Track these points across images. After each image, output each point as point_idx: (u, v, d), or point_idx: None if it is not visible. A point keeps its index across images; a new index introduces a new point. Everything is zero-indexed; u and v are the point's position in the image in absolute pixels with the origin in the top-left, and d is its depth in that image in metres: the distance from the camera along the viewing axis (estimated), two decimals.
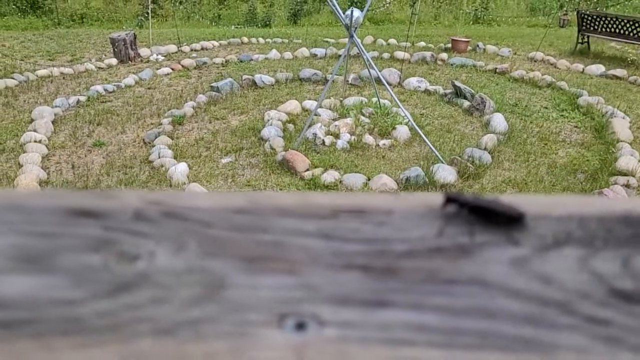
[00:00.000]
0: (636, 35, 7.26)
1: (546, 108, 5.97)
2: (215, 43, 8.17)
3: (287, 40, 8.51)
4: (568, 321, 0.28)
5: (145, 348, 0.26)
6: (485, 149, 4.72)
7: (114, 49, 7.05)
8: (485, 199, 0.36)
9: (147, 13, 8.19)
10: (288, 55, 7.53)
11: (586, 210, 0.36)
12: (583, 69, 7.14)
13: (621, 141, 4.96)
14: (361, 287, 0.30)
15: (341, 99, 5.69)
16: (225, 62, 7.22)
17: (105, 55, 7.18)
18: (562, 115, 5.77)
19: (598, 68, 7.07)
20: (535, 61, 7.51)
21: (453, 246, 0.33)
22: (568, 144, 5.16)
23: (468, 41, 8.02)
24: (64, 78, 6.37)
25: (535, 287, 0.30)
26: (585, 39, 7.99)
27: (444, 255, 0.32)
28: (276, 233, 0.34)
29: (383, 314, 0.28)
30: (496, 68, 7.01)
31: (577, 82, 6.64)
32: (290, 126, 5.18)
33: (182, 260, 0.31)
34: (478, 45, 8.01)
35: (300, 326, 0.28)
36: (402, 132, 4.98)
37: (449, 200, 0.36)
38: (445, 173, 4.20)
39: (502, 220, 0.35)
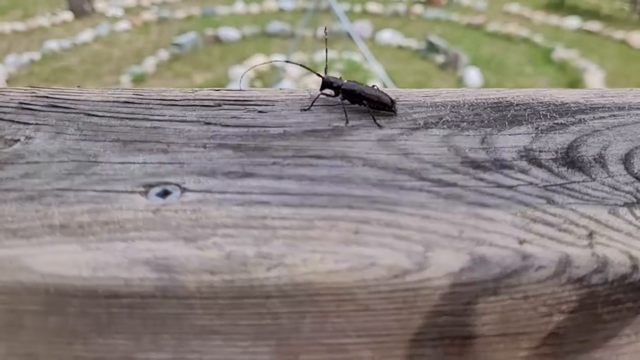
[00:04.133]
0: None
1: (520, 63, 5.99)
2: None
3: None
4: (416, 184, 0.30)
5: (10, 211, 0.28)
6: None
7: (68, 2, 6.70)
8: (360, 84, 0.37)
9: None
10: (255, 8, 7.32)
11: (461, 98, 0.38)
12: (558, 23, 7.13)
13: None
14: (229, 162, 0.32)
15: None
16: (188, 16, 6.94)
17: (60, 8, 6.81)
18: (536, 70, 5.80)
19: (573, 22, 7.08)
20: (510, 15, 7.47)
21: (327, 129, 0.35)
22: None
23: None
24: (16, 35, 6.10)
25: (394, 159, 0.32)
26: None
27: (317, 136, 0.34)
28: (157, 120, 0.35)
29: (244, 182, 0.30)
30: (470, 23, 6.95)
31: (552, 36, 6.64)
32: (258, 83, 5.11)
33: (58, 143, 0.32)
34: (451, 0, 7.92)
35: (164, 193, 0.29)
36: None
37: (325, 84, 0.37)
38: None
39: (375, 105, 0.37)
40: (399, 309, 0.26)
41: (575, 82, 5.37)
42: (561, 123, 0.36)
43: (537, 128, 0.35)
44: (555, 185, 0.30)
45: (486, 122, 0.36)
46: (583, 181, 0.31)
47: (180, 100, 0.37)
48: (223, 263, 0.25)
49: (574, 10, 7.66)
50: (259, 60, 5.35)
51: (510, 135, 0.34)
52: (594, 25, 6.88)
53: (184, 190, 0.29)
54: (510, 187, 0.30)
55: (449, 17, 7.09)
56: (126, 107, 0.36)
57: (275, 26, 6.42)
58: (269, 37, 6.27)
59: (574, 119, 0.36)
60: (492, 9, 7.77)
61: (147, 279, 0.25)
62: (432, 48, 5.91)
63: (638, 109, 0.37)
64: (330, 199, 0.29)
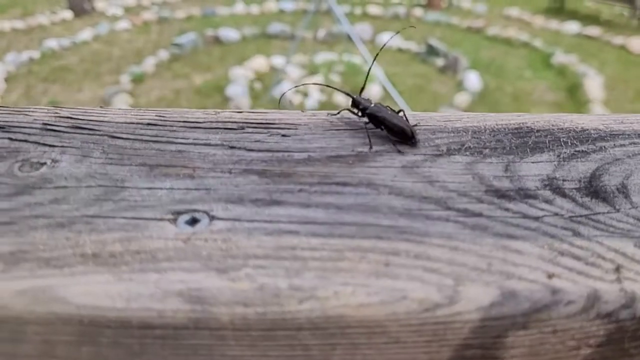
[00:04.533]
0: None
1: (520, 67, 6.00)
2: None
3: None
4: (442, 214, 0.30)
5: (41, 238, 0.28)
6: (458, 108, 4.75)
7: (68, 1, 6.68)
8: (386, 110, 0.38)
9: None
10: (255, 9, 7.32)
11: (482, 124, 0.38)
12: (557, 28, 7.16)
13: (592, 101, 5.04)
14: (256, 188, 0.32)
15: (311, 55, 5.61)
16: (189, 16, 6.93)
17: (60, 7, 6.81)
18: (535, 75, 5.81)
19: (572, 27, 7.10)
20: (510, 19, 7.49)
21: (351, 155, 0.35)
22: (541, 103, 5.22)
23: None
24: (15, 33, 6.09)
25: (419, 187, 0.32)
26: None
27: (341, 162, 0.34)
28: (181, 143, 0.35)
29: (272, 210, 0.30)
30: (470, 26, 6.97)
31: (551, 40, 6.66)
32: (257, 84, 5.11)
33: (85, 166, 0.33)
34: (451, 3, 7.93)
35: (193, 221, 0.29)
36: (374, 91, 4.98)
37: (353, 104, 0.38)
38: None
39: (394, 134, 0.37)
40: (429, 341, 0.26)
41: (575, 86, 5.39)
42: (582, 151, 0.36)
43: (558, 156, 0.35)
44: (581, 216, 0.31)
45: (508, 148, 0.36)
46: (607, 212, 0.31)
47: (203, 122, 0.37)
48: (256, 295, 0.26)
49: (573, 15, 7.69)
50: (259, 61, 5.37)
51: (533, 163, 0.35)
52: (594, 31, 6.91)
53: (212, 218, 0.30)
54: (536, 218, 0.30)
55: (449, 21, 7.11)
56: (150, 129, 0.36)
57: (275, 27, 6.42)
58: (269, 38, 6.27)
59: (594, 147, 0.36)
60: (492, 12, 7.78)
61: (180, 310, 0.25)
62: (432, 51, 5.92)
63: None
64: (358, 228, 0.29)
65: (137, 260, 0.27)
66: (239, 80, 4.98)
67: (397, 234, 0.29)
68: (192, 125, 0.37)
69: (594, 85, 5.35)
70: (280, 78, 4.85)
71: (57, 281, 0.26)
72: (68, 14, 6.63)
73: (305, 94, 4.80)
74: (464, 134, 0.37)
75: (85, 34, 5.99)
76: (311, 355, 0.26)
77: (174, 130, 0.36)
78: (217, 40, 6.02)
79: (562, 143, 0.37)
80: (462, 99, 4.88)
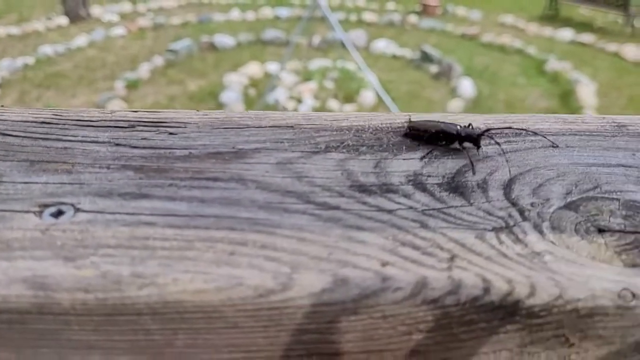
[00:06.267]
0: (605, 1, 7.32)
1: (513, 74, 6.02)
2: (174, 3, 7.90)
3: (249, 0, 8.25)
4: (300, 207, 0.32)
5: None
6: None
7: (64, 7, 6.75)
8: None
9: None
10: (250, 15, 7.37)
11: (367, 123, 0.40)
12: (551, 35, 7.19)
13: (585, 108, 5.06)
14: (128, 182, 0.33)
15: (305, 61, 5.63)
16: (184, 23, 6.97)
17: (55, 13, 6.86)
18: (529, 82, 5.83)
19: (566, 34, 7.13)
20: (505, 26, 7.52)
21: (230, 151, 0.37)
22: (534, 110, 5.23)
23: (437, 6, 7.96)
24: (10, 39, 6.15)
25: (287, 182, 0.34)
26: (555, 3, 8.02)
27: (218, 158, 0.36)
28: (69, 141, 0.37)
29: (138, 203, 0.32)
30: (464, 33, 7.01)
31: (545, 47, 6.69)
32: (252, 90, 5.13)
33: None
34: (446, 10, 7.97)
35: (59, 213, 0.31)
36: (367, 97, 5.00)
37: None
38: None
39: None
40: (266, 326, 0.28)
41: (568, 93, 5.41)
42: (456, 148, 0.37)
43: (431, 153, 0.37)
44: (433, 209, 0.32)
45: (385, 146, 0.37)
46: (461, 206, 0.32)
47: (97, 121, 0.39)
48: (97, 282, 0.27)
49: (567, 22, 7.71)
50: (253, 68, 5.41)
51: (404, 160, 0.36)
52: (588, 38, 6.93)
53: (77, 210, 0.31)
54: (389, 211, 0.32)
55: (444, 28, 7.14)
56: (42, 127, 0.38)
57: (270, 34, 6.45)
58: (264, 44, 6.30)
59: (469, 145, 0.38)
60: (486, 19, 7.82)
61: (23, 295, 0.26)
62: (426, 58, 5.95)
63: (534, 134, 0.39)
64: (215, 220, 0.31)
65: None
66: (233, 86, 5.00)
67: (251, 226, 0.30)
68: (84, 123, 0.38)
69: (587, 92, 5.37)
70: (274, 84, 4.87)
71: None
72: (63, 20, 6.67)
73: (299, 100, 4.82)
74: (347, 132, 0.39)
75: (81, 40, 6.04)
76: (154, 340, 0.28)
77: (66, 129, 0.38)
78: (212, 47, 6.05)
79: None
80: (455, 105, 4.90)
